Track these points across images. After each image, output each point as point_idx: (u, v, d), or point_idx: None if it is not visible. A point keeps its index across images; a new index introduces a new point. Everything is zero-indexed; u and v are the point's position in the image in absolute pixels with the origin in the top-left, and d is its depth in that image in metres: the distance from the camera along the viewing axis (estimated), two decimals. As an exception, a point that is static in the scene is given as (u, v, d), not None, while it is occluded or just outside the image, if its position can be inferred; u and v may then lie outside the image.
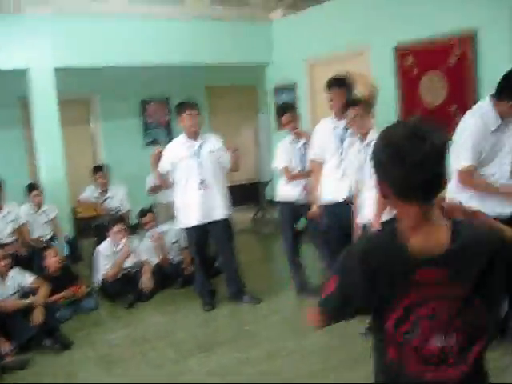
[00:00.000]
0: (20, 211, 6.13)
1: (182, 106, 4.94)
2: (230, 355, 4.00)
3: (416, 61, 5.70)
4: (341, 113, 4.27)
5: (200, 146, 4.90)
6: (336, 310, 1.64)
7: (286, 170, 5.03)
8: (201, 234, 4.99)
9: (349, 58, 6.51)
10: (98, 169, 6.90)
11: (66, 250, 6.13)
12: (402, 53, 5.82)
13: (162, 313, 5.13)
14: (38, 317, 4.45)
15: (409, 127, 1.48)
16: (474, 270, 1.46)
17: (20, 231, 6.11)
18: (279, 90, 7.80)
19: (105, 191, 6.71)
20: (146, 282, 5.57)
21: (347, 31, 6.54)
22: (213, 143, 4.99)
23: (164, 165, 4.95)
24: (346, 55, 6.55)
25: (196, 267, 5.26)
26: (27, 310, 4.51)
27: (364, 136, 3.95)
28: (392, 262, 1.49)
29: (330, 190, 4.43)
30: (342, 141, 4.39)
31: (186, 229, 5.08)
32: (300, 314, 4.73)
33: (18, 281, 4.84)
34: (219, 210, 4.94)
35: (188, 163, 4.86)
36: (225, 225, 5.02)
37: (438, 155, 1.46)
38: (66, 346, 4.41)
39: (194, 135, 4.92)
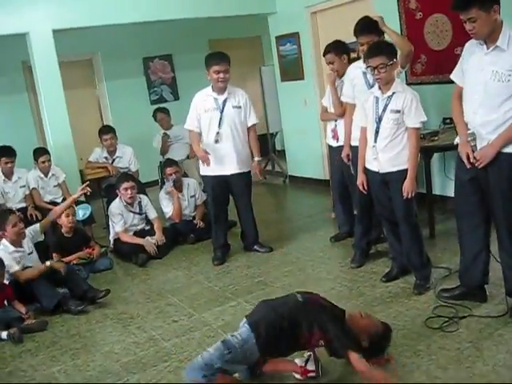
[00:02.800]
0: (28, 177, 6.17)
1: (210, 60, 4.87)
2: (244, 307, 4.06)
3: (420, 4, 5.57)
4: None
5: (225, 101, 4.90)
6: None
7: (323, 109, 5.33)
8: (216, 184, 5.03)
9: (351, 4, 6.38)
10: (105, 129, 6.90)
11: (87, 211, 6.14)
12: (405, -4, 5.69)
13: (176, 269, 5.21)
14: (61, 267, 4.63)
15: None
16: None
17: (31, 196, 6.16)
18: (282, 40, 7.68)
19: (113, 151, 6.72)
20: (159, 236, 5.63)
21: (349, -24, 6.38)
22: (238, 98, 4.97)
23: (192, 120, 5.01)
24: (348, 1, 6.40)
25: (211, 219, 5.31)
26: (50, 276, 4.57)
27: (385, 86, 3.79)
28: None
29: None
30: (371, 86, 4.28)
31: (204, 176, 5.16)
32: (312, 263, 4.81)
33: (31, 235, 4.91)
34: (235, 164, 4.96)
35: (210, 116, 4.89)
36: (242, 179, 5.05)
37: None
38: (92, 299, 4.51)
39: (220, 90, 4.90)
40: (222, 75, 4.79)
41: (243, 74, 9.86)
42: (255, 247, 5.27)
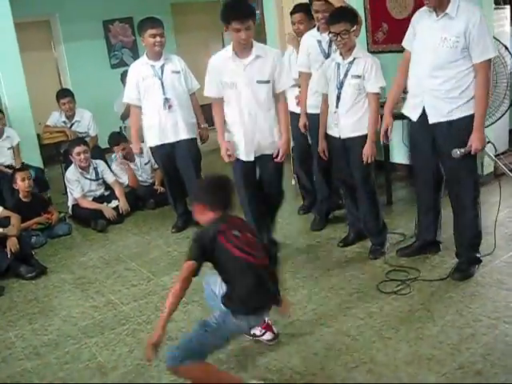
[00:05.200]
0: None
1: (144, 24, 4.73)
2: (203, 271, 4.09)
3: (382, -29, 5.57)
4: (326, 27, 4.11)
5: (162, 66, 4.77)
6: None
7: None
8: (165, 153, 4.92)
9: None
10: (63, 93, 6.74)
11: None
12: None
13: (135, 234, 5.21)
14: (13, 246, 4.44)
15: None
16: None
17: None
18: (245, 5, 7.59)
19: (72, 116, 6.59)
20: (123, 204, 5.62)
21: None
22: (175, 64, 4.84)
23: (130, 92, 4.86)
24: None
25: (166, 188, 5.31)
26: (1, 240, 4.50)
27: (347, 53, 3.82)
28: None
29: (316, 104, 4.30)
30: (327, 55, 4.27)
31: (152, 148, 5.03)
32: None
33: None
34: (182, 130, 4.82)
35: (149, 82, 4.75)
36: (188, 145, 4.89)
37: None
38: (41, 271, 4.47)
39: (156, 56, 4.77)
40: (158, 38, 4.67)
41: (205, 39, 9.78)
42: None
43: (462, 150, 3.33)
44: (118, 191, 5.75)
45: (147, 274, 4.24)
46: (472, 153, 3.34)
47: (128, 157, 6.02)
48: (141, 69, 4.82)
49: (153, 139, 4.90)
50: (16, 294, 4.17)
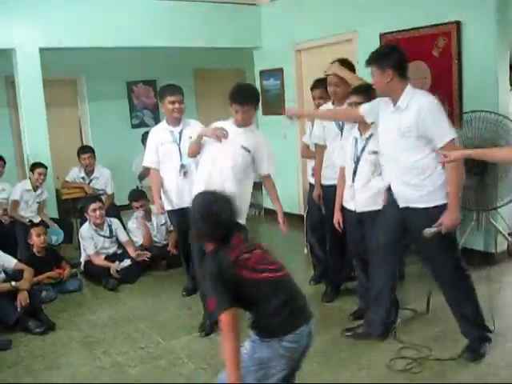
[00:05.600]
0: (16, 186, 6.12)
1: (164, 91, 4.84)
2: (213, 337, 4.07)
3: (401, 49, 5.73)
4: (339, 100, 4.33)
5: (180, 132, 4.84)
6: None
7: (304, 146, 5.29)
8: (180, 218, 4.86)
9: (335, 45, 6.54)
10: (84, 149, 6.92)
11: (60, 236, 6.18)
12: (387, 41, 5.85)
13: (146, 295, 5.19)
14: (23, 300, 4.45)
15: None
16: None
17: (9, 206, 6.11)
18: (266, 75, 7.82)
19: (91, 172, 6.73)
20: (114, 269, 5.54)
21: (334, 17, 6.54)
22: (193, 129, 4.77)
23: (150, 156, 4.92)
24: (333, 41, 6.57)
25: (179, 250, 5.33)
26: (12, 293, 4.51)
27: (365, 129, 3.93)
28: None
29: (331, 175, 4.42)
30: (342, 128, 4.38)
31: (168, 211, 5.03)
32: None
33: (1, 262, 4.82)
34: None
35: (168, 148, 4.82)
36: None
37: None
38: (49, 327, 4.46)
39: (175, 121, 4.86)
40: (177, 105, 4.76)
41: (225, 105, 9.95)
42: None
43: (433, 231, 3.34)
44: (130, 251, 5.78)
45: (156, 337, 4.21)
46: (442, 232, 3.34)
47: (145, 215, 6.08)
48: (160, 134, 4.90)
49: (169, 203, 4.94)
50: (23, 349, 4.15)
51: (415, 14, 5.54)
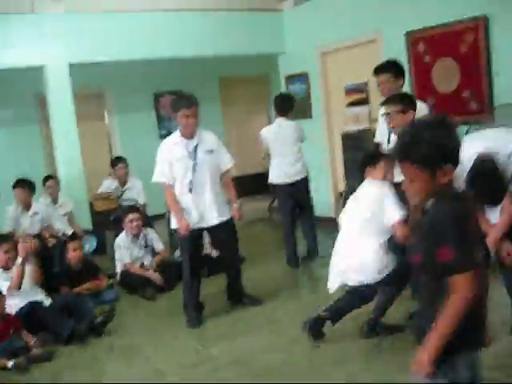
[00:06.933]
0: (37, 205, 6.22)
1: (178, 104, 4.53)
2: (252, 344, 4.07)
3: (428, 47, 5.71)
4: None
5: (196, 147, 4.54)
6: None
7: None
8: (192, 240, 4.59)
9: (360, 46, 6.53)
10: (118, 159, 7.02)
11: (93, 243, 6.28)
12: (413, 39, 5.83)
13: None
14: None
15: None
16: None
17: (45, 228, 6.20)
18: (291, 79, 7.83)
19: (124, 182, 6.81)
20: (155, 277, 5.57)
21: (358, 19, 6.54)
22: (209, 142, 4.62)
23: (164, 170, 4.56)
24: (358, 43, 6.56)
25: (183, 274, 4.74)
26: (66, 307, 4.67)
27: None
28: None
29: None
30: (390, 132, 4.32)
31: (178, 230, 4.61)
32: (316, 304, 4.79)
33: None
34: (213, 214, 4.57)
35: (182, 165, 4.50)
36: (224, 228, 4.66)
37: None
38: (99, 333, 4.51)
39: (189, 134, 4.55)
40: (190, 120, 4.45)
41: (251, 111, 10.05)
42: (243, 300, 4.86)
43: None
44: (157, 259, 5.82)
45: (195, 344, 4.23)
46: None
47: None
48: (174, 149, 4.56)
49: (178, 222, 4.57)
50: (65, 360, 4.18)
51: (441, 11, 5.51)
